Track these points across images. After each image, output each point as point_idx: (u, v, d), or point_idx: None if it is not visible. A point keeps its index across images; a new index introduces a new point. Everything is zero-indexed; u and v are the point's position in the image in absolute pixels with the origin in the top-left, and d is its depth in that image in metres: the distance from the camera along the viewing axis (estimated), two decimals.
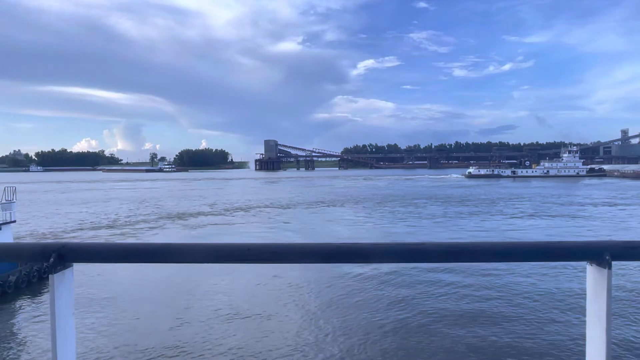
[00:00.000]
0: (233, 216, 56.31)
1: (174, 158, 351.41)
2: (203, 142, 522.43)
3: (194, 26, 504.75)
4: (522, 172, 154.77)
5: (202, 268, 26.06)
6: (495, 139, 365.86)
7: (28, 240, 37.74)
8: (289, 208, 65.29)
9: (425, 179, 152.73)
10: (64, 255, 1.59)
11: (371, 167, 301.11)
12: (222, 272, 26.42)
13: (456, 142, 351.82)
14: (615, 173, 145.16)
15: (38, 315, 21.02)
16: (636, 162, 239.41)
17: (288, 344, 17.07)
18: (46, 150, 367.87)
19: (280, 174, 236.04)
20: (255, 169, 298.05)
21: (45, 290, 24.23)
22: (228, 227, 47.13)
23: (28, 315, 21.38)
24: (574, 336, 16.85)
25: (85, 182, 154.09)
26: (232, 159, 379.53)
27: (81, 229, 45.61)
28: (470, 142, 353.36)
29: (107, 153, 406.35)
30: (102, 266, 23.57)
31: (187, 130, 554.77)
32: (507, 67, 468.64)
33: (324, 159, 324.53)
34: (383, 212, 58.73)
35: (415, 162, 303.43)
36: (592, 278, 1.61)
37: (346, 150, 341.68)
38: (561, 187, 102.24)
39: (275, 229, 45.31)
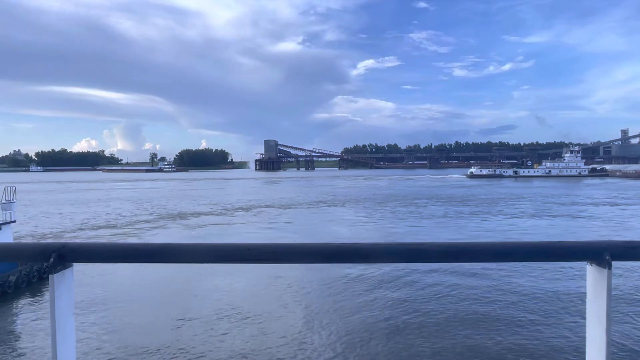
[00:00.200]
0: (234, 216, 56.28)
1: (174, 158, 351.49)
2: (203, 142, 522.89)
3: (194, 26, 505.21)
4: (524, 172, 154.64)
5: (202, 268, 26.04)
6: (495, 139, 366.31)
7: (28, 240, 37.71)
8: (290, 208, 65.27)
9: (426, 178, 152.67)
10: (64, 255, 1.59)
11: (371, 167, 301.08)
12: (222, 272, 26.40)
13: (456, 142, 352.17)
14: (617, 173, 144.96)
15: (38, 315, 20.99)
16: (636, 162, 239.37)
17: (288, 344, 17.04)
18: (46, 150, 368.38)
19: (280, 174, 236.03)
20: (255, 169, 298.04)
21: (45, 290, 24.20)
22: (229, 227, 47.12)
23: (28, 315, 21.35)
24: (574, 336, 16.83)
25: (86, 182, 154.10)
26: (232, 159, 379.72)
27: (82, 229, 45.59)
28: (470, 142, 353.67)
29: (107, 153, 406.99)
30: (102, 266, 23.54)
31: (187, 130, 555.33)
32: (507, 67, 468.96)
33: (324, 159, 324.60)
34: (385, 213, 58.70)
35: (415, 162, 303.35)
36: (592, 278, 1.61)
37: (346, 150, 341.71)
38: (563, 187, 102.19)
39: (276, 229, 45.28)
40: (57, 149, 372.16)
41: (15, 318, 21.47)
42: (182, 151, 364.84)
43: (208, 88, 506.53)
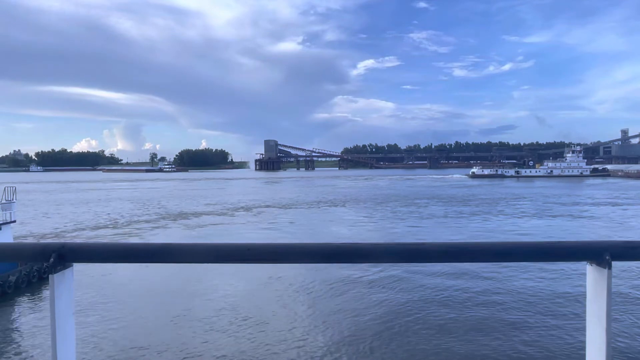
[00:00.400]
0: (235, 216, 56.25)
1: (174, 158, 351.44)
2: (203, 142, 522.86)
3: (194, 26, 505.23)
4: (525, 172, 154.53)
5: (202, 268, 26.01)
6: (495, 139, 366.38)
7: (28, 240, 37.69)
8: (291, 208, 65.24)
9: (427, 178, 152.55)
10: (64, 255, 1.59)
11: (371, 167, 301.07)
12: (222, 272, 26.37)
13: (456, 142, 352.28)
14: (619, 173, 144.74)
15: (38, 315, 20.97)
16: (636, 162, 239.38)
17: (288, 344, 17.02)
18: (46, 150, 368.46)
19: (281, 174, 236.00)
20: (255, 169, 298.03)
21: (45, 290, 24.18)
22: (230, 227, 47.08)
23: (28, 315, 21.34)
24: (574, 336, 16.80)
25: (86, 182, 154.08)
26: (232, 159, 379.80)
27: (82, 229, 45.55)
28: (470, 142, 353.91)
29: (107, 153, 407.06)
30: (103, 266, 23.51)
31: (187, 130, 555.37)
32: (507, 67, 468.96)
33: (324, 159, 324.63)
34: (386, 213, 58.67)
35: (415, 162, 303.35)
36: (592, 278, 1.61)
37: (346, 150, 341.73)
38: (565, 187, 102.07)
39: (277, 229, 45.23)
40: (57, 149, 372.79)
41: (15, 318, 21.44)
42: (182, 151, 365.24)
43: (208, 88, 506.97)
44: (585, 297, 1.64)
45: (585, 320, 1.65)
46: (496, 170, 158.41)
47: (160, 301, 22.56)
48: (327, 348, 16.67)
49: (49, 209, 64.67)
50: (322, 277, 25.72)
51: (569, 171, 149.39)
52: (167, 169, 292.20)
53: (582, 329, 1.86)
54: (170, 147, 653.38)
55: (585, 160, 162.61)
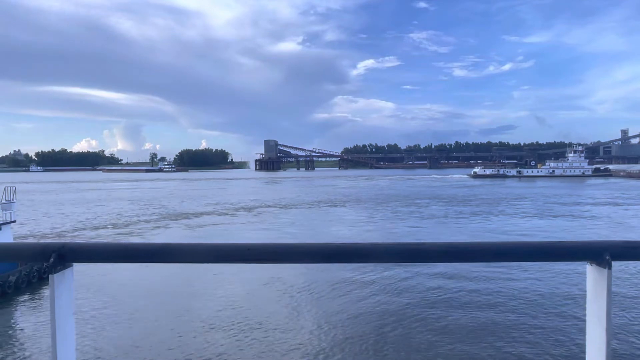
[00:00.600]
0: (236, 216, 56.23)
1: (174, 158, 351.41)
2: (203, 142, 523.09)
3: (194, 26, 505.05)
4: (527, 172, 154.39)
5: (202, 268, 26.00)
6: (495, 139, 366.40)
7: (28, 240, 37.68)
8: (292, 208, 65.22)
9: (428, 178, 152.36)
10: (64, 255, 1.59)
11: (371, 167, 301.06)
12: (223, 272, 26.37)
13: (456, 142, 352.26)
14: (621, 173, 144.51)
15: (38, 316, 20.96)
16: (636, 162, 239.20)
17: (289, 345, 17.00)
18: (46, 151, 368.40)
19: (281, 174, 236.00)
20: (255, 169, 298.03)
21: (45, 290, 24.17)
22: (231, 228, 47.07)
23: (28, 316, 21.33)
24: (574, 336, 16.79)
25: (86, 182, 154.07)
26: (232, 159, 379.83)
27: (83, 229, 45.54)
28: (470, 142, 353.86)
29: (107, 153, 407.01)
30: (103, 266, 23.50)
31: (187, 130, 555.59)
32: (507, 67, 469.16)
33: (324, 159, 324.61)
34: (388, 213, 58.65)
35: (415, 162, 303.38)
36: (592, 278, 1.61)
37: (346, 150, 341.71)
38: (567, 187, 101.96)
39: (278, 229, 45.22)
40: (57, 149, 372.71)
41: (15, 318, 21.43)
42: (182, 151, 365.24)
43: (208, 88, 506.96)
44: (585, 297, 1.64)
45: (585, 320, 1.65)
46: (498, 170, 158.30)
47: (160, 301, 22.55)
48: (328, 348, 16.66)
49: (49, 209, 64.66)
50: (322, 277, 25.70)
51: (570, 171, 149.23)
52: (167, 169, 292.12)
53: (582, 329, 1.83)
54: (170, 147, 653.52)
55: (588, 160, 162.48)
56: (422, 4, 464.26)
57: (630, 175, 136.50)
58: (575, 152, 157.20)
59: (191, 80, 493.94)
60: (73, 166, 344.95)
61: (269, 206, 67.12)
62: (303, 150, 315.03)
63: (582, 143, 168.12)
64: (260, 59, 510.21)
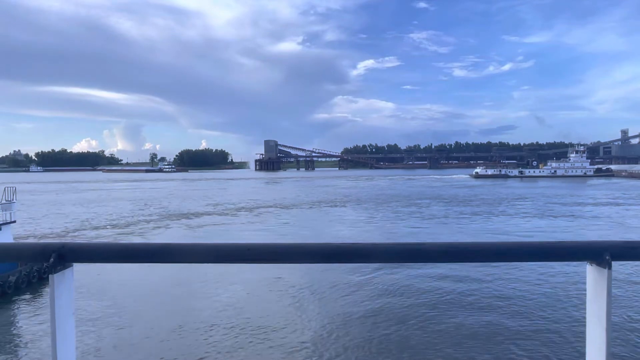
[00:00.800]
0: (238, 217, 56.20)
1: (174, 158, 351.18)
2: (203, 142, 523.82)
3: (194, 26, 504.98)
4: (529, 172, 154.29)
5: (202, 268, 26.00)
6: (495, 139, 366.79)
7: (28, 240, 37.68)
8: (293, 208, 65.19)
9: (429, 179, 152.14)
10: (64, 255, 1.59)
11: (371, 167, 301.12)
12: (223, 272, 26.36)
13: (456, 142, 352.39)
14: (623, 173, 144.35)
15: (38, 315, 20.96)
16: (636, 162, 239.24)
17: (289, 345, 17.00)
18: (46, 151, 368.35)
19: (281, 174, 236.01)
20: (255, 169, 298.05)
21: (45, 290, 24.17)
22: (232, 228, 47.05)
23: (28, 316, 21.32)
24: (574, 336, 16.79)
25: (86, 182, 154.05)
26: (232, 159, 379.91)
27: (83, 229, 45.54)
28: (470, 142, 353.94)
29: (107, 153, 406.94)
30: (103, 266, 23.50)
31: (187, 130, 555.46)
32: (507, 67, 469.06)
33: (324, 159, 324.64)
34: (391, 214, 58.61)
35: (415, 162, 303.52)
36: (592, 278, 1.61)
37: (346, 151, 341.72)
38: (569, 187, 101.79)
39: (280, 230, 45.20)
40: (57, 149, 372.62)
41: (15, 318, 21.43)
42: (182, 151, 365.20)
43: (208, 88, 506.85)
44: (585, 297, 1.64)
45: (585, 320, 1.64)
46: (499, 171, 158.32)
47: (160, 301, 22.56)
48: (327, 349, 16.65)
49: (49, 210, 64.65)
50: (322, 278, 25.70)
51: (572, 171, 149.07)
52: (167, 169, 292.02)
53: (582, 329, 1.82)
54: (170, 147, 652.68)
55: (589, 160, 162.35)
56: (422, 4, 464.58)
57: (632, 176, 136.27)
58: (577, 152, 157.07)
59: (191, 80, 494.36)
60: (73, 166, 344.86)
61: (269, 206, 67.10)
62: (303, 150, 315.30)
63: (582, 143, 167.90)
64: (260, 59, 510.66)
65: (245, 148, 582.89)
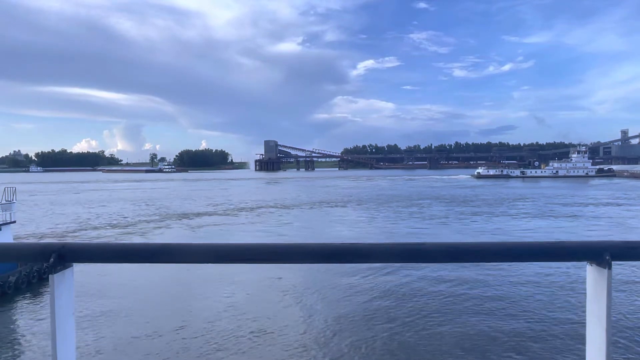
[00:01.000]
0: (239, 217, 56.17)
1: (174, 158, 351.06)
2: (203, 142, 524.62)
3: (194, 26, 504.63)
4: (531, 172, 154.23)
5: (202, 268, 25.99)
6: (495, 139, 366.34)
7: (28, 240, 37.65)
8: (294, 209, 65.14)
9: (430, 179, 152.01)
10: (63, 256, 1.59)
11: (371, 167, 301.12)
12: (223, 273, 26.35)
13: (456, 142, 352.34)
14: (625, 173, 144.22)
15: (38, 316, 20.95)
16: (636, 163, 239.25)
17: (289, 346, 16.99)
18: (46, 151, 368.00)
19: (281, 174, 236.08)
20: (255, 170, 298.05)
21: (45, 290, 24.16)
22: (234, 228, 47.03)
23: (28, 316, 21.31)
24: (574, 336, 16.78)
25: (86, 183, 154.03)
26: (232, 160, 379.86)
27: (84, 229, 45.52)
28: (470, 143, 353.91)
29: (107, 153, 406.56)
30: (103, 266, 23.50)
31: (187, 130, 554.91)
32: (507, 67, 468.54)
33: (323, 160, 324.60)
34: (392, 214, 58.57)
35: (415, 162, 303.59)
36: (592, 278, 1.61)
37: (346, 151, 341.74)
38: (572, 187, 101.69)
39: (281, 230, 45.17)
40: (57, 150, 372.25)
41: (15, 318, 21.41)
42: (182, 151, 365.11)
43: (208, 88, 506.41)
44: (585, 297, 1.64)
45: (585, 320, 1.65)
46: (501, 171, 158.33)
47: (160, 301, 22.55)
48: (327, 350, 16.65)
49: (49, 210, 64.64)
50: (322, 278, 25.70)
51: (574, 172, 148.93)
52: (167, 170, 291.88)
53: (582, 329, 1.89)
54: (170, 147, 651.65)
55: (591, 160, 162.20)
56: (422, 4, 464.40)
57: (634, 176, 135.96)
58: (578, 152, 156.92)
59: (191, 81, 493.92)
60: (73, 166, 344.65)
61: (270, 207, 67.08)
62: (303, 150, 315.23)
63: (583, 143, 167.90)
64: (260, 59, 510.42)
65: (245, 148, 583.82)
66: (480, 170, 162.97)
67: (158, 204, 71.47)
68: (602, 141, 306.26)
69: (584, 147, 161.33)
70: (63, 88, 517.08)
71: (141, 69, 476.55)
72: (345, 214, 58.30)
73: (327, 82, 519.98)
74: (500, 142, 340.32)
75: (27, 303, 23.25)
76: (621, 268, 24.37)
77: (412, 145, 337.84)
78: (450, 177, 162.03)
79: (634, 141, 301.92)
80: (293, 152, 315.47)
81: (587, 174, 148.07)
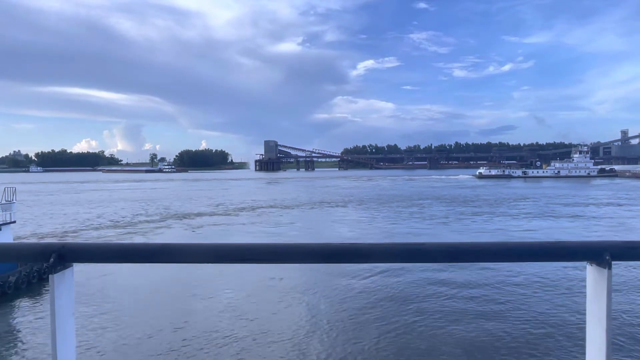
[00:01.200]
0: (241, 217, 56.09)
1: (174, 158, 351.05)
2: (203, 142, 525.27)
3: (194, 26, 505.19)
4: (533, 172, 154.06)
5: (202, 268, 25.93)
6: (495, 139, 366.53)
7: (28, 240, 37.58)
8: (295, 209, 65.05)
9: (431, 179, 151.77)
10: (63, 256, 1.59)
11: (371, 167, 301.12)
12: (223, 273, 26.29)
13: (456, 142, 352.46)
14: (627, 173, 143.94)
15: (38, 316, 20.89)
16: (636, 163, 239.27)
17: (289, 346, 16.94)
18: (46, 151, 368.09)
19: (281, 174, 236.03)
20: (255, 170, 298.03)
21: (45, 290, 24.10)
22: (234, 228, 46.97)
23: (28, 316, 21.24)
24: (574, 336, 16.73)
25: (86, 183, 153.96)
26: (232, 160, 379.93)
27: (85, 230, 45.45)
28: (470, 143, 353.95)
29: (107, 153, 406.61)
30: (103, 266, 23.43)
31: (187, 130, 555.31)
32: (507, 67, 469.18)
33: (323, 160, 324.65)
34: (393, 214, 58.50)
35: (415, 162, 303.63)
36: (592, 278, 1.61)
37: (346, 151, 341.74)
38: (574, 187, 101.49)
39: (282, 230, 45.14)
40: (57, 150, 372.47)
41: (15, 318, 21.34)
42: (182, 152, 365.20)
43: (208, 88, 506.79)
44: (585, 297, 1.64)
45: (585, 320, 1.64)
46: (503, 171, 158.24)
47: (160, 301, 22.48)
48: (329, 349, 16.59)
49: (49, 210, 64.58)
50: (323, 278, 25.64)
51: (576, 172, 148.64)
52: (167, 170, 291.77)
53: (582, 330, 1.86)
54: (170, 147, 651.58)
55: (593, 161, 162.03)
56: (422, 5, 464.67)
57: (636, 176, 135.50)
58: (580, 152, 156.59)
59: (191, 81, 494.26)
60: (73, 167, 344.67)
61: (271, 207, 67.01)
62: (303, 150, 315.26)
63: (581, 143, 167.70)
64: (260, 59, 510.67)
65: (245, 148, 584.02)
66: (482, 170, 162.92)
67: (158, 204, 71.40)
68: (602, 141, 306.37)
69: (585, 147, 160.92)
70: (63, 88, 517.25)
71: (141, 69, 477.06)
72: (345, 214, 58.23)
73: (327, 82, 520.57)
74: (500, 142, 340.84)
75: (27, 303, 23.19)
76: (621, 268, 24.33)
77: (412, 145, 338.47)
78: (450, 177, 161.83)
79: (634, 141, 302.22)
80: (293, 152, 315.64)
81: (589, 174, 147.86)
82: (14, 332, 19.58)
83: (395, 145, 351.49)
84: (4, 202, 27.25)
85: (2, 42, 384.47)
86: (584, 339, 1.64)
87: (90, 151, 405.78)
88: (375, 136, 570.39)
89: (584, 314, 1.65)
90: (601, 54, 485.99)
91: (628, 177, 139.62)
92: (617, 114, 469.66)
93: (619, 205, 62.73)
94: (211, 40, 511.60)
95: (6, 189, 27.97)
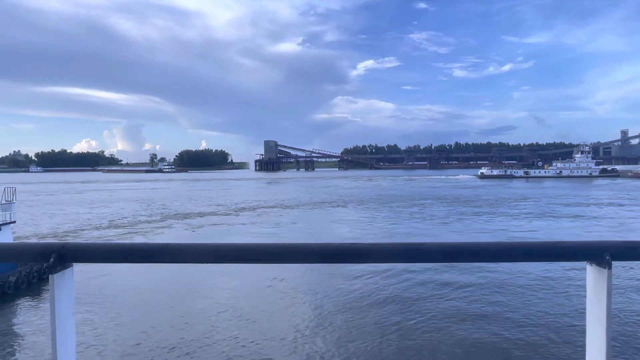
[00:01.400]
0: (241, 217, 56.05)
1: (174, 159, 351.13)
2: (203, 142, 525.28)
3: (194, 27, 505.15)
4: (534, 172, 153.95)
5: (202, 268, 25.89)
6: (495, 139, 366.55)
7: (28, 240, 37.53)
8: (296, 208, 65.04)
9: (432, 179, 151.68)
10: (63, 256, 1.59)
11: (371, 167, 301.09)
12: (222, 273, 26.25)
13: (456, 142, 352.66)
14: (629, 174, 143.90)
15: (38, 316, 20.85)
16: (636, 163, 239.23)
17: (289, 346, 16.89)
18: (46, 151, 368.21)
19: (281, 174, 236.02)
20: (255, 170, 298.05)
21: (45, 290, 24.06)
22: (234, 228, 46.93)
23: (28, 316, 21.21)
24: (574, 336, 16.69)
25: (86, 183, 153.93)
26: (232, 160, 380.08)
27: (84, 229, 45.40)
28: (470, 143, 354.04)
29: (107, 154, 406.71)
30: (103, 266, 23.39)
31: (187, 130, 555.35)
32: (507, 67, 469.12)
33: (323, 160, 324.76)
34: (393, 214, 58.46)
35: (415, 162, 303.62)
36: (592, 278, 1.61)
37: (346, 151, 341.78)
38: (576, 187, 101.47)
39: (283, 230, 45.09)
40: (57, 150, 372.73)
41: (15, 318, 21.31)
42: (182, 152, 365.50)
43: (208, 88, 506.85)
44: (585, 297, 1.64)
45: (585, 320, 1.64)
46: (505, 171, 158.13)
47: (161, 301, 22.44)
48: (330, 348, 16.55)
49: (49, 210, 64.53)
50: (323, 278, 25.60)
51: (578, 172, 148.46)
52: (167, 170, 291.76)
53: (582, 329, 1.81)
54: (170, 147, 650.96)
55: (594, 161, 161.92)
56: (422, 5, 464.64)
57: (638, 176, 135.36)
58: (582, 152, 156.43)
59: (191, 81, 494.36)
60: (73, 167, 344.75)
61: (271, 207, 66.97)
62: (303, 150, 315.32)
63: (581, 144, 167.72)
64: (260, 59, 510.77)
65: (245, 148, 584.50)
66: (484, 170, 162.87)
67: (158, 204, 71.36)
68: (602, 141, 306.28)
69: (587, 147, 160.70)
70: (63, 88, 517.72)
71: (141, 69, 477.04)
72: (345, 214, 58.18)
73: (327, 82, 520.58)
74: (500, 142, 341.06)
75: (27, 303, 23.15)
76: (621, 268, 24.29)
77: (412, 145, 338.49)
78: (450, 177, 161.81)
79: (634, 141, 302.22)
80: (293, 152, 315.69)
81: (590, 174, 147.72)
82: (14, 332, 19.54)
83: (395, 145, 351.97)
84: (4, 202, 27.22)
85: (2, 42, 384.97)
86: (584, 339, 1.64)
87: (90, 151, 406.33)
88: (375, 136, 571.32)
89: (584, 314, 1.65)
90: (601, 54, 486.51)
91: (630, 177, 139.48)
92: (617, 114, 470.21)
93: (620, 205, 62.70)
94: (211, 40, 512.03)
95: (6, 189, 27.94)
